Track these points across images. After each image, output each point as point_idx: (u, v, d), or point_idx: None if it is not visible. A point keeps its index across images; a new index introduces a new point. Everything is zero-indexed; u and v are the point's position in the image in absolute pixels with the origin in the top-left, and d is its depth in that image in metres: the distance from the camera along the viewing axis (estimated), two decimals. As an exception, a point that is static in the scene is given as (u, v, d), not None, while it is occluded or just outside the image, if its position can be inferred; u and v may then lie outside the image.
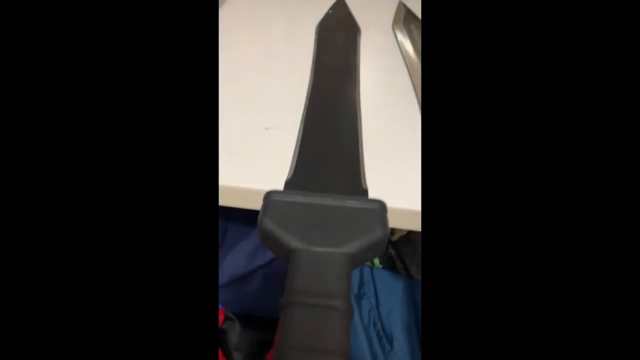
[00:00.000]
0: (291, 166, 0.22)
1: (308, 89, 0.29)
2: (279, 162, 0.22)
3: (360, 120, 0.26)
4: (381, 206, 0.18)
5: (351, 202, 0.18)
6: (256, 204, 0.19)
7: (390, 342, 0.34)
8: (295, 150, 0.23)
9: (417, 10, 0.45)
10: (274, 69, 0.32)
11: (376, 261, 0.35)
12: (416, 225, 0.21)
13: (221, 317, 0.48)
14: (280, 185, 0.20)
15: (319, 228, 0.17)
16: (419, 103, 0.30)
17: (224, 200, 0.22)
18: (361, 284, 0.37)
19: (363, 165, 0.22)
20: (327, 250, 0.16)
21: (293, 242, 0.16)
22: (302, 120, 0.25)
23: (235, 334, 0.47)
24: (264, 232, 0.17)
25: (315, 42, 0.35)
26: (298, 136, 0.24)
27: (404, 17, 0.43)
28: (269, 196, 0.18)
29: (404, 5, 0.45)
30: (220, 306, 0.44)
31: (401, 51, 0.36)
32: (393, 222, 0.21)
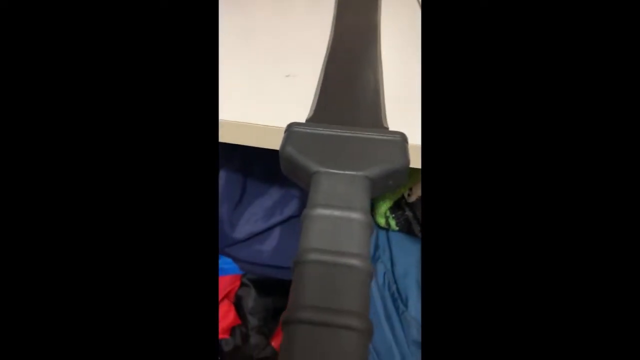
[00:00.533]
0: (312, 106, 0.22)
1: (329, 40, 0.28)
2: (300, 108, 0.22)
3: (381, 66, 0.26)
4: (402, 137, 0.18)
5: (372, 134, 0.18)
6: (277, 143, 0.19)
7: (405, 303, 0.34)
8: (316, 92, 0.23)
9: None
10: (295, 22, 0.32)
11: (392, 223, 0.35)
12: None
13: (237, 283, 0.49)
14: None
15: (340, 154, 0.17)
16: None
17: (244, 139, 0.22)
18: (376, 247, 0.37)
19: (384, 105, 0.22)
20: (348, 173, 0.16)
21: (314, 165, 0.16)
22: (322, 67, 0.25)
23: (250, 299, 0.48)
24: (285, 158, 0.17)
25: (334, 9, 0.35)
26: (319, 80, 0.24)
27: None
28: (291, 127, 0.18)
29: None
30: (237, 271, 0.45)
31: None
32: (415, 161, 0.21)
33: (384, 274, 0.36)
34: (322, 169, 0.16)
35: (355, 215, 0.14)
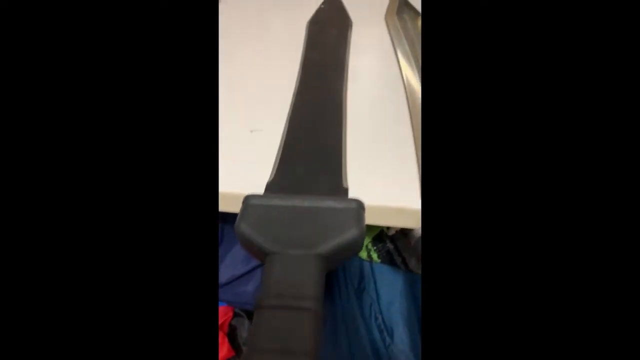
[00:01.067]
0: (273, 168, 0.22)
1: (294, 88, 0.29)
2: (264, 165, 0.23)
3: (346, 119, 0.26)
4: (358, 205, 0.18)
5: (328, 203, 0.18)
6: (239, 208, 0.19)
7: (391, 335, 0.34)
8: (277, 152, 0.23)
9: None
10: (263, 69, 0.32)
11: (374, 255, 0.36)
12: (408, 223, 0.21)
13: (230, 314, 0.49)
14: (263, 188, 0.21)
15: (294, 230, 0.17)
16: (408, 99, 0.30)
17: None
18: (361, 278, 0.37)
19: (345, 164, 0.22)
20: (300, 252, 0.16)
21: (268, 245, 0.17)
22: (286, 121, 0.25)
23: (244, 329, 0.49)
24: (240, 236, 0.18)
25: (304, 39, 0.35)
26: (282, 137, 0.24)
27: (397, 6, 0.42)
28: (247, 200, 0.19)
29: (399, -5, 0.44)
30: (224, 304, 0.45)
31: (393, 44, 0.36)
32: (385, 220, 0.21)
33: (371, 305, 0.36)
34: (276, 250, 0.16)
35: (306, 305, 0.15)
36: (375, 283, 0.35)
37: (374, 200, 0.20)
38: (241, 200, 0.19)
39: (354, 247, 0.18)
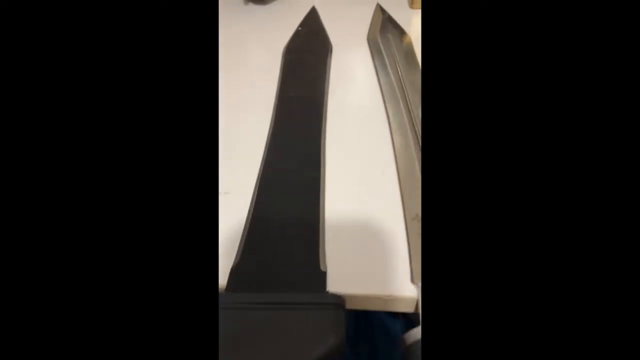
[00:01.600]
0: (238, 248, 0.19)
1: (267, 136, 0.26)
2: (231, 237, 0.20)
3: (324, 172, 0.23)
4: (336, 305, 0.15)
5: (301, 304, 0.15)
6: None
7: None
8: (245, 224, 0.20)
9: (400, 14, 0.41)
10: (235, 110, 0.29)
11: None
12: (399, 308, 0.18)
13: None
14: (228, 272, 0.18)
15: (263, 345, 0.14)
16: (389, 124, 0.27)
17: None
18: (357, 326, 0.34)
19: (323, 237, 0.19)
20: None
21: None
22: (257, 180, 0.22)
23: None
24: None
25: (280, 71, 0.32)
26: (250, 204, 0.21)
27: (381, 25, 0.39)
28: None
29: (382, 11, 0.41)
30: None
31: (375, 68, 0.33)
32: (372, 306, 0.18)
33: (368, 356, 0.33)
34: None
35: None
36: (372, 333, 0.32)
37: (357, 285, 0.17)
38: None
39: (333, 356, 0.15)
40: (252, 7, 0.45)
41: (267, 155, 0.23)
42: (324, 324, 0.15)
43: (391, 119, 0.27)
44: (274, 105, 0.28)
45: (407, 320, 0.33)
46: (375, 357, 0.32)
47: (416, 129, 0.25)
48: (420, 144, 0.24)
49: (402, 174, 0.22)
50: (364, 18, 0.41)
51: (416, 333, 0.15)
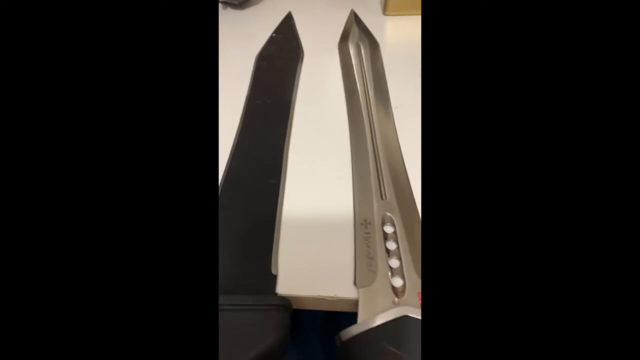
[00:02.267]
0: (197, 252, 0.20)
1: (233, 143, 0.27)
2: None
3: (285, 177, 0.24)
4: (280, 305, 0.17)
5: (248, 305, 0.16)
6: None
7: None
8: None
9: (373, 20, 0.43)
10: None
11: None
12: (344, 308, 0.19)
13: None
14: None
15: None
16: (350, 139, 0.28)
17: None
18: (327, 314, 0.35)
19: (277, 244, 0.20)
20: None
21: None
22: (219, 185, 0.23)
23: None
24: None
25: (251, 77, 0.33)
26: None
27: (352, 32, 0.40)
28: None
29: (355, 18, 0.42)
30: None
31: (342, 75, 0.34)
32: (319, 306, 0.19)
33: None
34: None
35: None
36: (340, 321, 0.33)
37: (305, 287, 0.19)
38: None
39: (276, 355, 0.16)
40: (230, 11, 0.46)
41: (230, 162, 0.25)
42: (268, 325, 0.16)
43: (351, 130, 0.28)
44: (242, 112, 0.29)
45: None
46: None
47: (374, 140, 0.26)
48: (379, 152, 0.25)
49: (355, 180, 0.23)
50: (339, 23, 0.42)
51: (351, 330, 0.16)
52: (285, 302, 0.17)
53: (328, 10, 0.44)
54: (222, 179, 0.24)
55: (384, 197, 0.22)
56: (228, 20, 0.44)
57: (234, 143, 0.26)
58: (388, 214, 0.21)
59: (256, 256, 0.19)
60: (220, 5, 0.46)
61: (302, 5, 0.45)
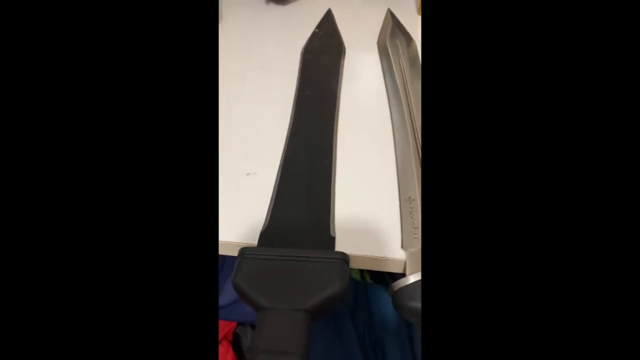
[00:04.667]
0: (266, 216, 0.24)
1: (288, 128, 0.30)
2: (260, 209, 0.24)
3: (336, 160, 0.27)
4: (342, 259, 0.20)
5: (315, 257, 0.20)
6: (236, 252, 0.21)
7: (383, 351, 0.36)
8: (271, 199, 0.25)
9: (408, 19, 0.45)
10: (258, 103, 0.33)
11: (367, 277, 0.38)
12: (391, 268, 0.23)
13: (234, 324, 0.52)
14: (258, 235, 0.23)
15: (283, 285, 0.19)
16: (392, 122, 0.31)
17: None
18: (355, 298, 0.39)
19: (333, 212, 0.24)
20: (288, 308, 0.18)
21: (259, 300, 0.19)
22: (279, 164, 0.27)
23: (247, 337, 0.51)
24: (237, 290, 0.19)
25: (299, 70, 0.36)
26: (274, 183, 0.26)
27: (390, 31, 0.42)
28: (242, 253, 0.20)
29: (392, 17, 0.45)
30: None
31: (382, 71, 0.37)
32: (370, 266, 0.23)
33: (364, 321, 0.38)
34: (266, 305, 0.18)
35: (292, 358, 0.17)
36: (368, 302, 0.37)
37: (359, 248, 0.22)
38: (234, 247, 0.21)
39: (338, 299, 0.19)
40: (273, 7, 0.49)
41: (288, 144, 0.28)
42: (333, 273, 0.19)
43: (393, 118, 0.31)
44: (293, 102, 0.33)
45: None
46: (371, 321, 0.37)
47: (415, 127, 0.29)
48: (420, 140, 0.28)
49: (399, 164, 0.27)
50: (376, 21, 0.44)
51: (404, 281, 0.20)
52: (345, 257, 0.20)
53: (364, 8, 0.47)
54: (281, 158, 0.27)
55: (424, 179, 0.25)
56: (271, 16, 0.47)
57: (289, 128, 0.30)
58: (429, 192, 0.24)
59: (317, 222, 0.23)
60: (264, 0, 0.49)
61: (340, 3, 0.48)
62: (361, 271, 0.39)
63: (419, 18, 0.45)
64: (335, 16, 0.46)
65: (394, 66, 0.37)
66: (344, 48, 0.40)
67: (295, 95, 0.33)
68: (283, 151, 0.28)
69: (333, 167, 0.26)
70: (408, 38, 0.41)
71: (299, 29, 0.43)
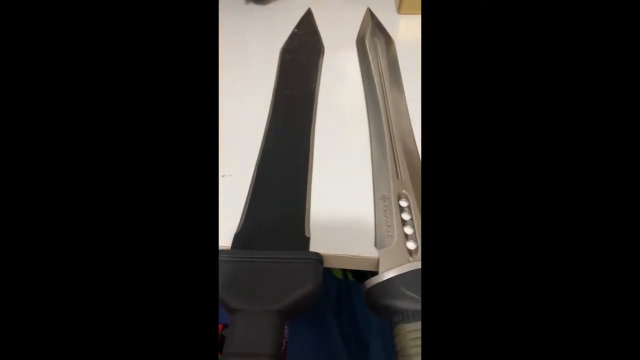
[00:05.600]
0: (241, 218, 0.24)
1: (265, 128, 0.30)
2: (234, 211, 0.24)
3: (312, 161, 0.27)
4: (316, 260, 0.20)
5: (288, 258, 0.20)
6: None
7: (367, 346, 0.37)
8: (246, 201, 0.25)
9: (388, 18, 0.45)
10: (238, 102, 0.33)
11: (349, 275, 0.38)
12: (365, 267, 0.23)
13: (220, 327, 0.52)
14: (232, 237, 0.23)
15: (256, 287, 0.19)
16: (368, 121, 0.31)
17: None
18: (339, 295, 0.39)
19: (309, 213, 0.24)
20: (261, 309, 0.18)
21: (232, 303, 0.19)
22: (255, 165, 0.27)
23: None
24: None
25: (277, 69, 0.36)
26: (250, 184, 0.26)
27: (369, 30, 0.43)
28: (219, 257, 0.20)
29: (371, 16, 0.45)
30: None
31: (360, 70, 0.37)
32: (344, 264, 0.23)
33: (348, 320, 0.38)
34: (239, 308, 0.18)
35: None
36: (351, 300, 0.37)
37: (333, 248, 0.22)
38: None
39: (312, 299, 0.20)
40: (252, 6, 0.49)
41: (264, 144, 0.28)
42: (306, 273, 0.20)
43: (370, 117, 0.31)
44: (271, 102, 0.33)
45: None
46: (355, 318, 0.37)
47: (390, 126, 0.30)
48: (395, 139, 0.28)
49: (374, 163, 0.27)
50: (356, 21, 0.45)
51: (376, 279, 0.20)
52: (319, 257, 0.21)
53: (345, 8, 0.47)
54: (257, 159, 0.27)
55: (399, 177, 0.25)
56: (251, 16, 0.47)
57: (266, 128, 0.30)
58: (403, 191, 0.25)
59: (293, 222, 0.23)
60: (243, 0, 0.49)
61: (320, 3, 0.48)
62: (344, 270, 0.39)
63: (399, 17, 0.46)
64: (315, 15, 0.46)
65: (372, 65, 0.37)
66: (323, 47, 0.40)
67: (273, 96, 0.33)
68: (259, 152, 0.28)
69: (309, 167, 0.26)
70: (387, 37, 0.41)
71: (279, 29, 0.43)
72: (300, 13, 0.46)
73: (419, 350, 0.17)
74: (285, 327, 0.30)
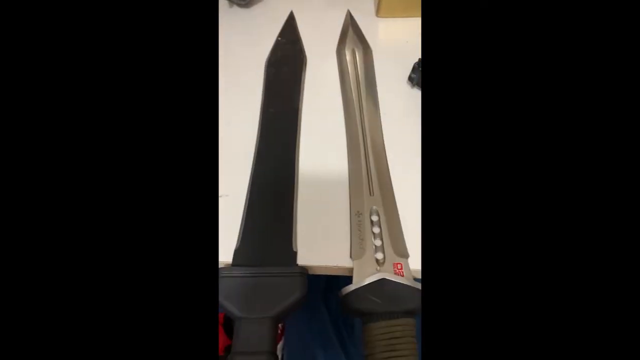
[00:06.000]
0: (238, 237, 0.28)
1: (255, 147, 0.33)
2: (234, 229, 0.28)
3: (298, 178, 0.31)
4: (301, 273, 0.25)
5: (279, 273, 0.25)
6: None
7: (352, 326, 0.43)
8: (242, 220, 0.29)
9: (366, 21, 0.46)
10: (227, 120, 0.36)
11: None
12: (343, 273, 0.28)
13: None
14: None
15: (254, 298, 0.24)
16: (348, 138, 0.34)
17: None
18: (327, 284, 0.44)
19: (295, 229, 0.28)
20: (259, 316, 0.23)
21: (236, 312, 0.23)
22: (248, 186, 0.31)
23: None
24: (220, 304, 0.24)
25: (263, 84, 0.39)
26: (244, 205, 0.30)
27: (348, 38, 0.45)
28: (220, 273, 0.25)
29: (351, 21, 0.47)
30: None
31: (340, 84, 0.39)
32: (326, 272, 0.27)
33: (335, 305, 0.44)
34: (242, 316, 0.23)
35: (263, 357, 0.22)
36: (339, 287, 0.43)
37: (317, 259, 0.27)
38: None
39: (298, 305, 0.25)
40: (237, 9, 0.50)
41: (254, 165, 0.32)
42: (294, 284, 0.24)
43: (347, 133, 0.34)
44: (259, 120, 0.36)
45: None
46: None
47: (365, 142, 0.33)
48: (370, 154, 0.32)
49: (350, 179, 0.31)
50: (338, 23, 0.46)
51: (348, 288, 0.25)
52: (304, 270, 0.25)
53: (327, 10, 0.48)
54: (249, 179, 0.31)
55: (372, 194, 0.30)
56: (234, 19, 0.48)
57: (255, 148, 0.33)
58: (374, 207, 0.29)
59: (282, 238, 0.27)
60: (227, 3, 0.50)
61: (302, 5, 0.50)
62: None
63: (378, 20, 0.47)
64: (297, 18, 0.47)
65: (350, 78, 0.39)
66: (306, 58, 0.42)
67: (260, 113, 0.36)
68: (251, 172, 0.32)
69: (295, 185, 0.30)
70: (365, 46, 0.43)
71: (264, 32, 0.44)
72: (284, 15, 0.47)
73: (382, 344, 0.22)
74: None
